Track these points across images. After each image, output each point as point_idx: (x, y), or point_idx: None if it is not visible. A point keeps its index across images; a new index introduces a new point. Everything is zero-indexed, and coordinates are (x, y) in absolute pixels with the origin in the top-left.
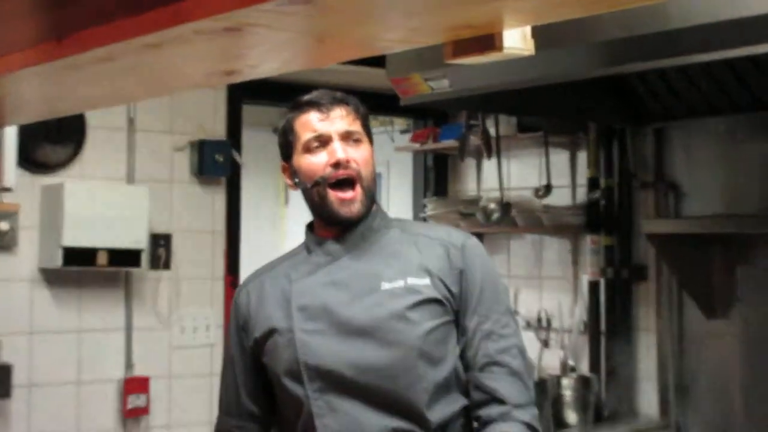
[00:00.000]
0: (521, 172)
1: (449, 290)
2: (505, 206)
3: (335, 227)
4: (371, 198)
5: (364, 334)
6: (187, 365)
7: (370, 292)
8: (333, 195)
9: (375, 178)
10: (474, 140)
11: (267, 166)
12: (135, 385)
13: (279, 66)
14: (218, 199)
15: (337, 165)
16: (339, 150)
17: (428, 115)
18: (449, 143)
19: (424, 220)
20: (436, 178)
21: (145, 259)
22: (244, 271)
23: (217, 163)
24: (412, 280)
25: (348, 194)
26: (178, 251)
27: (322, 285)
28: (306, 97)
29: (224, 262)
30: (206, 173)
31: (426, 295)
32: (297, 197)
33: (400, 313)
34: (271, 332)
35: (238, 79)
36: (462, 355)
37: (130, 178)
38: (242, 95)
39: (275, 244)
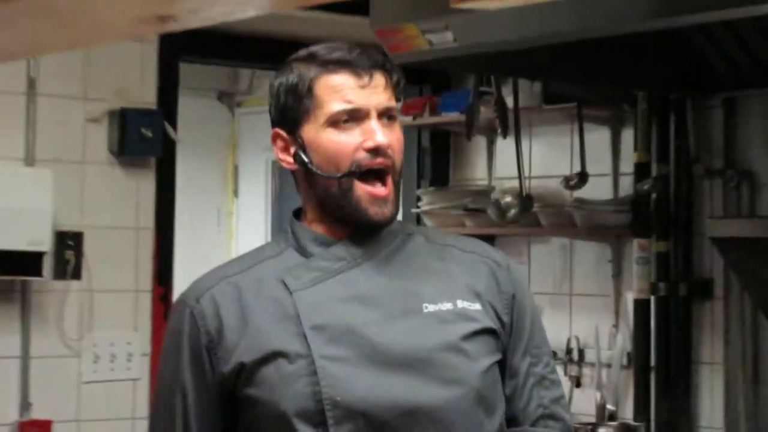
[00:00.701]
0: (547, 156)
1: (500, 320)
2: (526, 200)
3: (347, 228)
4: (399, 196)
5: (408, 367)
6: (102, 406)
7: (409, 314)
8: (362, 189)
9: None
10: (485, 113)
11: (211, 144)
12: (33, 430)
13: (230, 10)
14: (145, 186)
15: (376, 151)
16: (379, 132)
17: (425, 79)
18: (452, 116)
19: (418, 218)
20: (433, 162)
21: (48, 265)
22: (180, 283)
23: (144, 140)
24: (462, 304)
25: (381, 190)
26: (91, 255)
27: (341, 299)
28: (336, 53)
29: (153, 270)
30: (130, 152)
31: (482, 324)
32: (251, 186)
33: (454, 344)
34: (273, 356)
35: (174, 27)
36: (507, 403)
37: (30, 159)
38: (179, 50)
39: (221, 247)
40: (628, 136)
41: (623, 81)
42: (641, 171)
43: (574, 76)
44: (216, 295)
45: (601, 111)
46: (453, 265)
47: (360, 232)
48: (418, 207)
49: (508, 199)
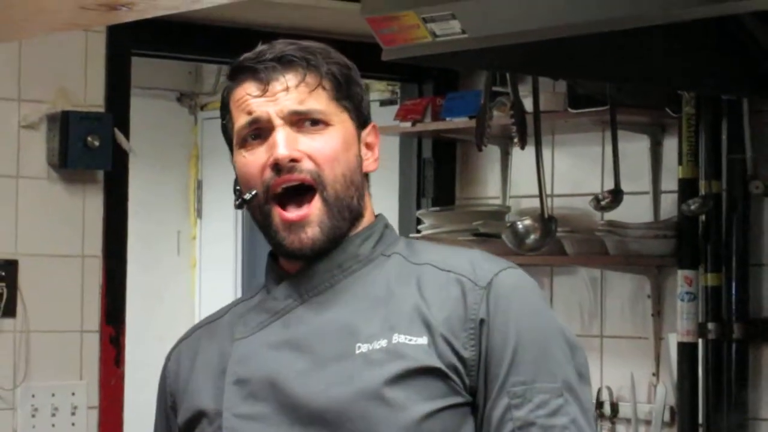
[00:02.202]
0: (573, 170)
1: (458, 355)
2: (548, 223)
3: (298, 259)
4: (344, 214)
5: (321, 423)
6: None
7: (339, 359)
8: (277, 214)
9: (355, 178)
10: (499, 118)
11: (170, 155)
12: None
13: None
14: (92, 205)
15: (276, 167)
16: (280, 143)
17: (427, 77)
18: (459, 122)
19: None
20: (436, 177)
21: None
22: (134, 321)
23: (90, 149)
24: (399, 338)
25: (294, 213)
26: (28, 288)
27: (274, 346)
28: (242, 56)
29: (101, 306)
30: (73, 165)
31: (418, 362)
32: (218, 205)
33: (374, 392)
34: (198, 417)
35: (127, 17)
36: None
37: None
38: (132, 43)
39: (181, 278)
40: (671, 146)
41: (665, 79)
42: (687, 188)
43: (605, 73)
44: (182, 350)
45: (639, 116)
46: (414, 290)
47: (311, 263)
48: (417, 231)
49: (527, 222)
